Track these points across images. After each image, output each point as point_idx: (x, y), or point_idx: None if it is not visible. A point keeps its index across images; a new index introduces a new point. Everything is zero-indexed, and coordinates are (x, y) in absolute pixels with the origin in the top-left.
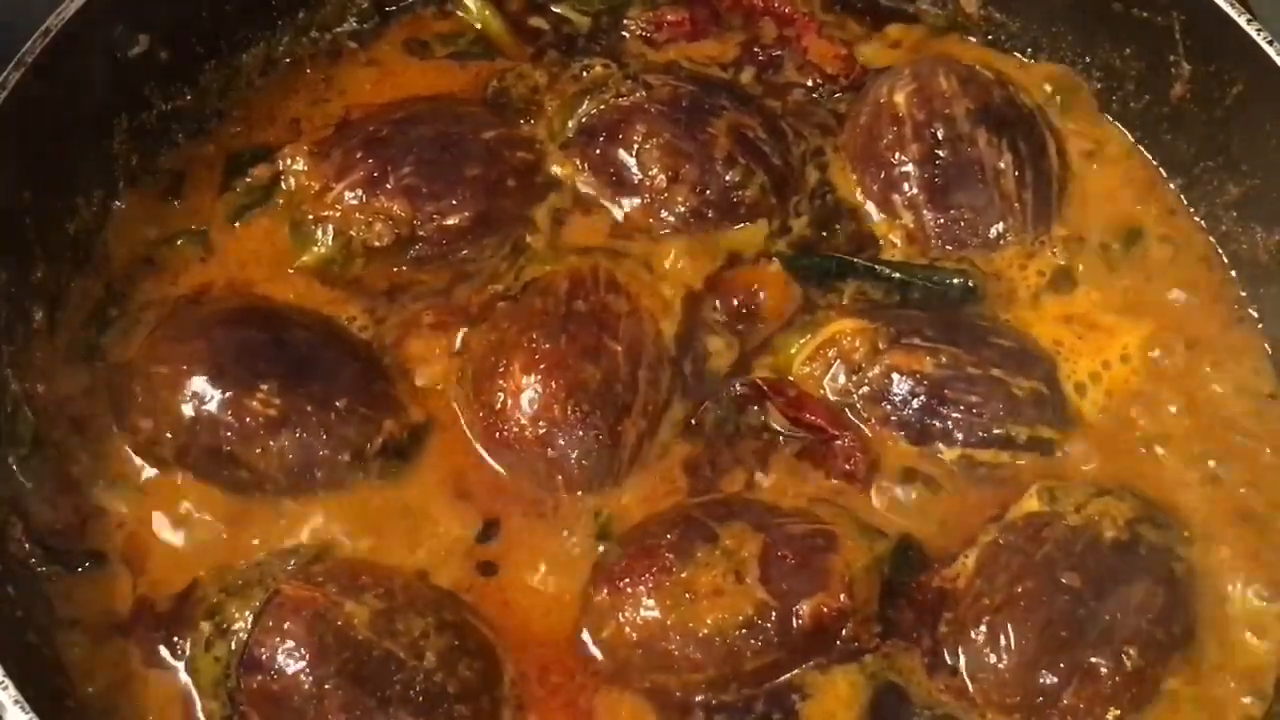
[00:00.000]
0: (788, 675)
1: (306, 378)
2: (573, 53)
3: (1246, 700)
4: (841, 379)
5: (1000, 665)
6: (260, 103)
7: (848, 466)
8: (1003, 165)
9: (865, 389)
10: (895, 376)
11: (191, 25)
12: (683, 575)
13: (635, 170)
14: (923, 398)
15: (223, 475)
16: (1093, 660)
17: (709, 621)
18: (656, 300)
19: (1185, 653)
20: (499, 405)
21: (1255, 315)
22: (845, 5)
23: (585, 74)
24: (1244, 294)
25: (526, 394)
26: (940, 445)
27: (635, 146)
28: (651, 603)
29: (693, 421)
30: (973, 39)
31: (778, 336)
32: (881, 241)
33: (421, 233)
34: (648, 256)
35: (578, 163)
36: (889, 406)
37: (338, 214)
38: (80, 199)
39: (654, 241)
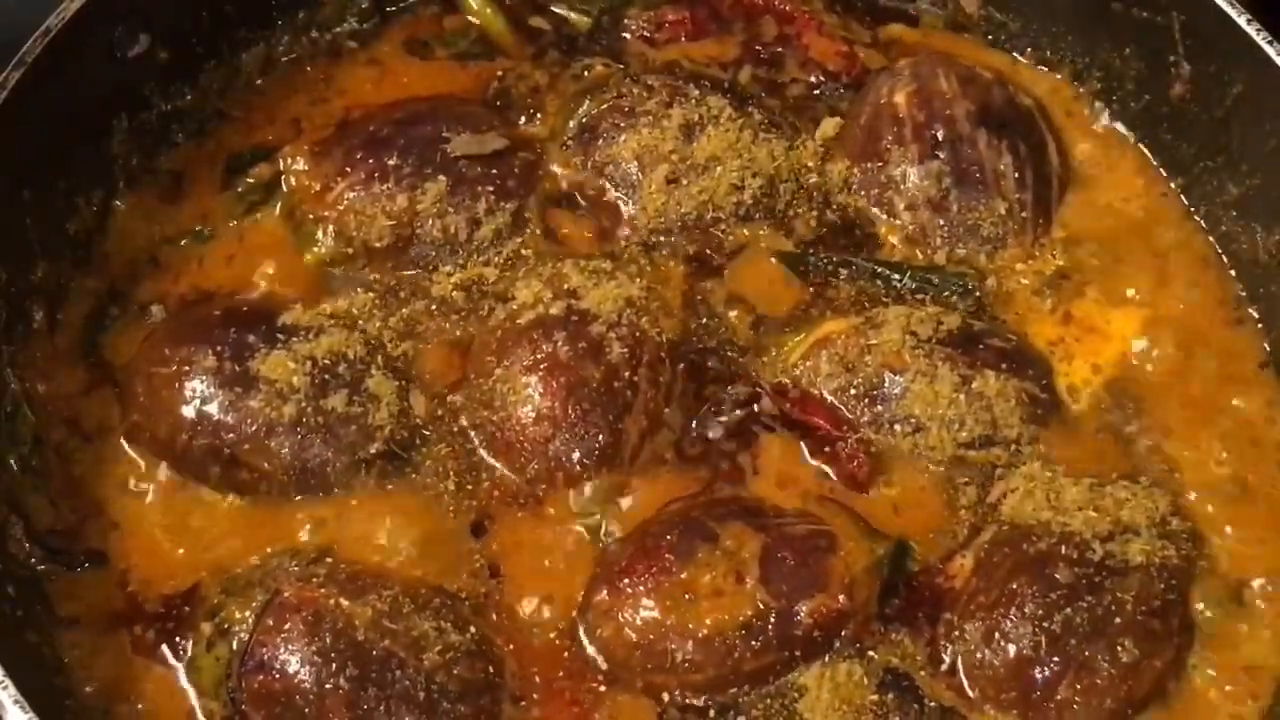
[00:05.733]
0: (787, 676)
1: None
2: (573, 53)
3: (1245, 697)
4: (835, 378)
5: (996, 662)
6: (260, 103)
7: (851, 467)
8: (1003, 166)
9: (858, 388)
10: (888, 376)
11: (191, 25)
12: (683, 576)
13: (635, 170)
14: None
15: (224, 476)
16: (1088, 654)
17: (708, 622)
18: (657, 299)
19: (1182, 646)
20: (499, 404)
21: (1255, 315)
22: (845, 5)
23: (586, 74)
24: (1244, 294)
25: (527, 393)
26: (933, 446)
27: (635, 147)
28: (651, 603)
29: (693, 421)
30: (973, 39)
31: (775, 335)
32: (880, 241)
33: (420, 232)
34: (648, 255)
35: (578, 162)
36: (881, 406)
37: (338, 213)
38: (80, 199)
39: (654, 241)
